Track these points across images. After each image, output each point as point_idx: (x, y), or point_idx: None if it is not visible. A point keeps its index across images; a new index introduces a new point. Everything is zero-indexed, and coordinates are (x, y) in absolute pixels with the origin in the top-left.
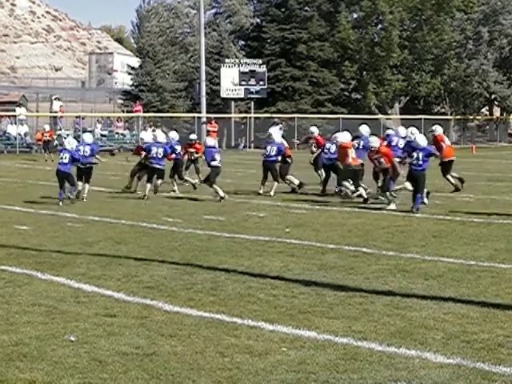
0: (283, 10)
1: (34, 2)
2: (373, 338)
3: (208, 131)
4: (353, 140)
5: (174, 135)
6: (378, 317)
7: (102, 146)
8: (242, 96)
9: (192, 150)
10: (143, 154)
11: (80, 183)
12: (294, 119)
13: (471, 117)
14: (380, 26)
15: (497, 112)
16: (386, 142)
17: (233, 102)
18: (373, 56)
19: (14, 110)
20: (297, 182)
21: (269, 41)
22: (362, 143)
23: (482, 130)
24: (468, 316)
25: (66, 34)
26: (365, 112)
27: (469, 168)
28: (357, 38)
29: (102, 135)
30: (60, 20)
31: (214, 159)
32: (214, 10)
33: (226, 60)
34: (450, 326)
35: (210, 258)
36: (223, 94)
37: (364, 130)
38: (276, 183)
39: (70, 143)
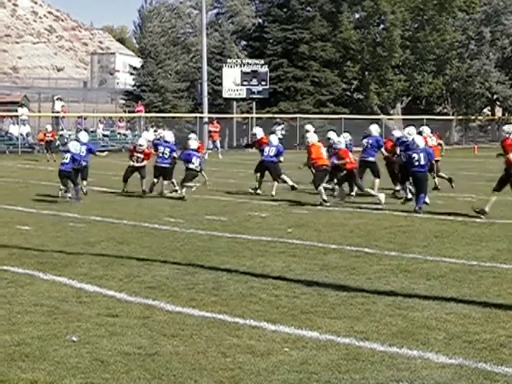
0: (285, 10)
1: (36, 3)
2: (375, 338)
3: (210, 131)
4: (362, 139)
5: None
6: (379, 317)
7: (103, 146)
8: (244, 96)
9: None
10: (136, 155)
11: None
12: (295, 119)
13: (473, 117)
14: (382, 26)
15: (499, 112)
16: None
17: (235, 103)
18: (375, 56)
19: (16, 111)
20: (290, 183)
21: (271, 41)
22: (370, 142)
23: (483, 130)
24: (470, 316)
25: (68, 34)
26: (367, 112)
27: (471, 168)
28: (359, 38)
29: (103, 135)
30: (62, 20)
31: (191, 161)
32: (215, 10)
33: (228, 60)
34: (452, 327)
35: (212, 258)
36: (225, 95)
37: (374, 129)
38: (276, 183)
39: (75, 147)
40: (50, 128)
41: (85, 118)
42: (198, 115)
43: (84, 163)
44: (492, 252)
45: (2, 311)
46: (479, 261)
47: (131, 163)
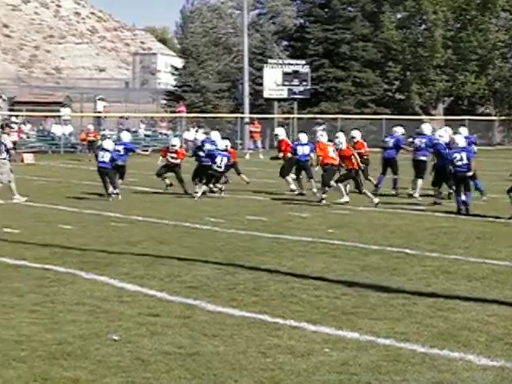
0: (326, 10)
1: (78, 4)
2: (415, 340)
3: (251, 132)
4: (414, 139)
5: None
6: (420, 318)
7: (145, 147)
8: (285, 96)
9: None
10: (170, 155)
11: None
12: (337, 120)
13: None
14: (424, 26)
15: None
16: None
17: (276, 103)
18: (416, 56)
19: (59, 111)
20: (293, 187)
21: (312, 41)
22: (424, 141)
23: None
24: None
25: (110, 34)
26: (408, 113)
27: None
28: (400, 39)
29: (145, 135)
30: (104, 21)
31: (214, 161)
32: (257, 11)
33: (270, 60)
34: (493, 329)
35: (253, 259)
36: (266, 95)
37: (427, 128)
38: (313, 181)
39: (109, 145)
40: (92, 128)
41: (126, 118)
42: (239, 115)
43: (121, 162)
44: None
45: (45, 310)
46: None
47: (160, 162)
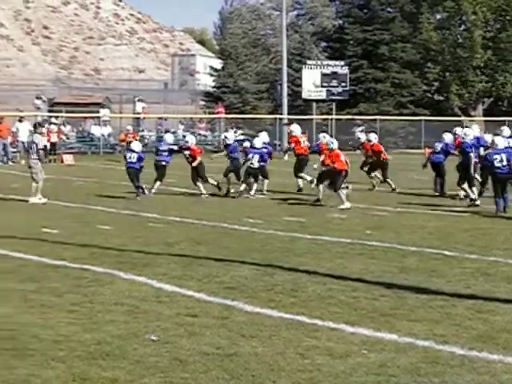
0: (365, 11)
1: (118, 5)
2: (454, 342)
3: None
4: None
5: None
6: (459, 320)
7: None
8: (324, 97)
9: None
10: (184, 152)
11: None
12: (375, 121)
13: None
14: (463, 26)
15: None
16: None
17: (314, 104)
18: (456, 57)
19: (98, 112)
20: (309, 178)
21: (351, 42)
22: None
23: None
24: None
25: (150, 36)
26: (447, 114)
27: None
28: (439, 39)
29: (184, 136)
30: (143, 22)
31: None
32: (296, 12)
33: (308, 61)
34: None
35: (291, 260)
36: (305, 96)
37: (475, 128)
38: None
39: (136, 146)
40: (131, 129)
41: (165, 119)
42: (278, 116)
43: (164, 163)
44: None
45: (84, 310)
46: None
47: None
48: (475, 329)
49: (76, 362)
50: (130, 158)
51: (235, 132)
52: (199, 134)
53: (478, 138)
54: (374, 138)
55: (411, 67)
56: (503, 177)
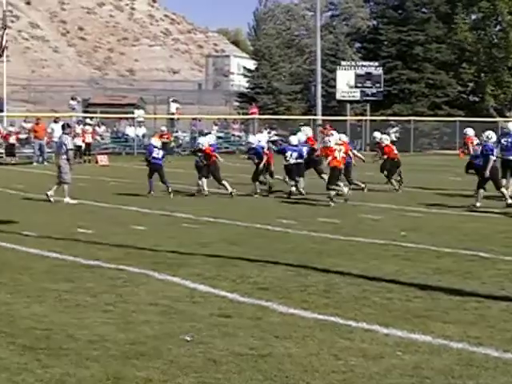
0: (400, 11)
1: (152, 6)
2: (489, 344)
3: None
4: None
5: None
6: (494, 322)
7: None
8: (358, 98)
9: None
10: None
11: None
12: (410, 122)
13: None
14: (499, 27)
15: None
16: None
17: (348, 105)
18: (491, 58)
19: (133, 112)
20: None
21: (385, 43)
22: (510, 140)
23: None
24: None
25: (184, 37)
26: (482, 115)
27: None
28: (475, 40)
29: (218, 137)
30: (178, 23)
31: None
32: (330, 13)
33: (342, 62)
34: None
35: (325, 261)
36: (339, 97)
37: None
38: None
39: (157, 142)
40: (165, 129)
41: (199, 120)
42: (312, 117)
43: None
44: None
45: (118, 310)
46: None
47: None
48: (510, 331)
49: (110, 362)
50: (157, 154)
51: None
52: (233, 135)
53: None
54: (385, 139)
55: (446, 68)
56: None
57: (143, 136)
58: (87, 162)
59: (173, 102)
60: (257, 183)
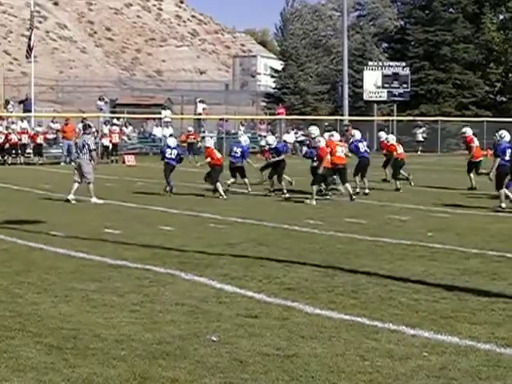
0: (427, 11)
1: (180, 7)
2: None
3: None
4: None
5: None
6: None
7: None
8: (385, 99)
9: None
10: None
11: (232, 179)
12: (437, 122)
13: None
14: None
15: None
16: None
17: (375, 105)
18: None
19: (160, 113)
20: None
21: (412, 43)
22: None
23: None
24: None
25: (211, 37)
26: (510, 115)
27: None
28: (502, 40)
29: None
30: (205, 24)
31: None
32: (357, 13)
33: (369, 63)
34: None
35: (352, 261)
36: (366, 97)
37: None
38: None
39: (173, 142)
40: (192, 130)
41: (226, 120)
42: (339, 118)
43: (239, 164)
44: None
45: (145, 310)
46: None
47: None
48: None
49: (137, 362)
50: (170, 154)
51: (296, 133)
52: (260, 135)
53: None
54: (392, 138)
55: (473, 68)
56: None
57: (170, 136)
58: (114, 162)
59: (200, 102)
60: (283, 183)
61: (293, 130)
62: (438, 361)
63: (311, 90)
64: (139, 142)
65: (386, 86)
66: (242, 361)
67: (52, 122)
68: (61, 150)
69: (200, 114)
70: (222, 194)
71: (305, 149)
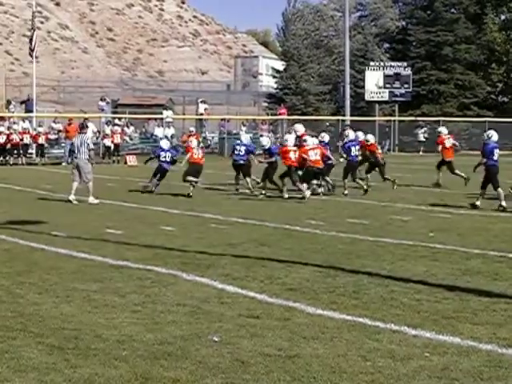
0: (429, 12)
1: (181, 7)
2: None
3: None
4: None
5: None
6: None
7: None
8: (387, 99)
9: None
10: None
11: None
12: (438, 123)
13: None
14: None
15: None
16: None
17: (377, 105)
18: None
19: (161, 113)
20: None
21: (414, 43)
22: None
23: None
24: None
25: (213, 37)
26: None
27: None
28: (504, 40)
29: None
30: (207, 24)
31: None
32: (358, 13)
33: (371, 63)
34: None
35: (353, 262)
36: (367, 97)
37: None
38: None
39: (166, 144)
40: (193, 130)
41: (228, 121)
42: (341, 118)
43: (242, 162)
44: None
45: (146, 310)
46: None
47: None
48: None
49: (138, 362)
50: (164, 157)
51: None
52: (261, 136)
53: None
54: (371, 138)
55: (475, 68)
56: None
57: (172, 136)
58: (116, 162)
59: (201, 102)
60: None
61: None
62: (439, 361)
63: (313, 90)
64: (141, 142)
65: (388, 86)
66: (243, 361)
67: (54, 122)
68: (63, 151)
69: (202, 115)
70: (190, 192)
71: None
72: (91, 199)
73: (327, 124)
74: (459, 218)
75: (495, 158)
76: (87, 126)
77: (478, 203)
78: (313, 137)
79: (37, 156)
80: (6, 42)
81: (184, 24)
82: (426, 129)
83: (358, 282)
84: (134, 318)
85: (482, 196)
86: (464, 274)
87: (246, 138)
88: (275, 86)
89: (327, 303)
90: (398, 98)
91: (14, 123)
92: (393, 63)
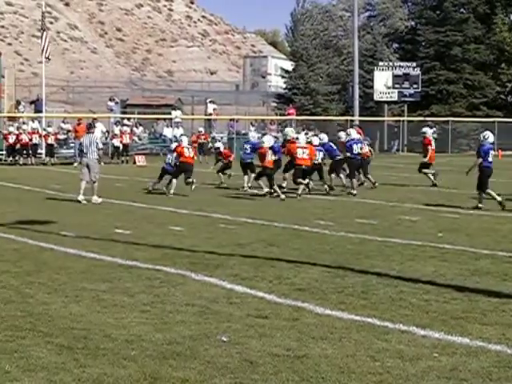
0: (438, 12)
1: (190, 7)
2: None
3: None
4: None
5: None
6: None
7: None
8: (396, 99)
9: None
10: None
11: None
12: (448, 123)
13: None
14: None
15: None
16: None
17: (386, 106)
18: None
19: (170, 113)
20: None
21: (423, 43)
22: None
23: None
24: None
25: (222, 38)
26: None
27: None
28: None
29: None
30: (215, 24)
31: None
32: (367, 13)
33: (380, 63)
34: None
35: (362, 262)
36: (376, 97)
37: None
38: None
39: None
40: (202, 130)
41: (237, 121)
42: (349, 118)
43: (249, 160)
44: None
45: (155, 310)
46: None
47: None
48: None
49: (147, 362)
50: (169, 158)
51: (306, 134)
52: (264, 135)
53: None
54: (343, 135)
55: (484, 68)
56: None
57: (181, 136)
58: (125, 162)
59: (210, 102)
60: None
61: (303, 130)
62: (448, 362)
63: (322, 90)
64: (150, 142)
65: (397, 86)
66: (252, 361)
67: (63, 122)
68: (72, 151)
69: (210, 115)
70: (169, 191)
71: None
72: (95, 198)
73: (337, 124)
74: (468, 219)
75: (490, 159)
76: (95, 126)
77: (480, 205)
78: (315, 135)
79: (46, 156)
80: (16, 42)
81: (193, 24)
82: (435, 129)
83: (366, 282)
84: (143, 318)
85: (481, 196)
86: (473, 274)
87: (253, 136)
88: (284, 86)
89: (336, 303)
90: (406, 98)
91: (24, 123)
92: (402, 63)
